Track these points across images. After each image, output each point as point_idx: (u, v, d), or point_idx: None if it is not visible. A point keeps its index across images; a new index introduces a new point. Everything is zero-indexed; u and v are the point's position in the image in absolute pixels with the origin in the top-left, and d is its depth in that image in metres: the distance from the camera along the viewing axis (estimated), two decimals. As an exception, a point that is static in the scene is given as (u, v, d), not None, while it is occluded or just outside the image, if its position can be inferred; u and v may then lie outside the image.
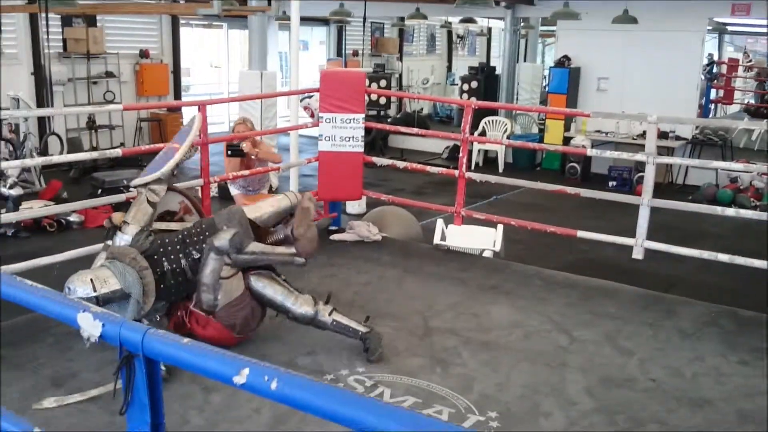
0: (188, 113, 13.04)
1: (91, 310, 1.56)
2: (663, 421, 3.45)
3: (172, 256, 3.95)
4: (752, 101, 17.29)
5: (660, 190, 10.25)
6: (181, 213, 4.56)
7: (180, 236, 4.05)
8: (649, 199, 5.20)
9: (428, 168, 6.52)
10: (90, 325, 1.58)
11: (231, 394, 3.54)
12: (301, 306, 3.96)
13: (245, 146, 5.89)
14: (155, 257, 3.91)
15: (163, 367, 3.60)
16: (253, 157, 6.00)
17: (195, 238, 4.00)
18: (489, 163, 13.15)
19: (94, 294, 3.63)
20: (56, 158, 7.32)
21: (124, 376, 1.49)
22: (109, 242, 3.95)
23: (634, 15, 10.61)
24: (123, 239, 3.99)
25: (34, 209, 7.51)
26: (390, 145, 14.47)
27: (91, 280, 3.68)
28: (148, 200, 4.11)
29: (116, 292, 3.69)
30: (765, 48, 19.15)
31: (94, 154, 6.50)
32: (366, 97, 12.09)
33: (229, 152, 5.87)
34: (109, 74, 12.83)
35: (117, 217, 3.96)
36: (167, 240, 4.03)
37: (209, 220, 4.16)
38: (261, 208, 4.38)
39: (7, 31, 11.29)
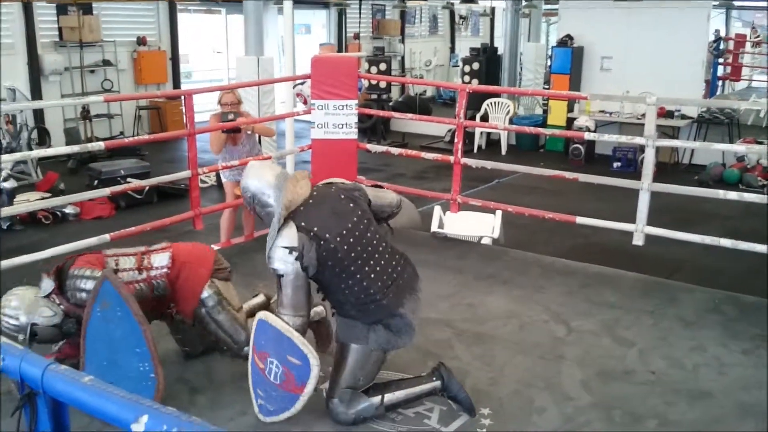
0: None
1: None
2: (661, 415, 3.33)
3: None
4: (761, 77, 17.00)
5: (666, 171, 10.16)
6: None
7: None
8: (648, 184, 5.04)
9: (422, 154, 6.37)
10: None
11: (216, 395, 3.46)
12: None
13: (232, 117, 5.70)
14: None
15: None
16: (249, 132, 5.88)
17: None
18: (492, 145, 12.97)
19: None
20: (35, 153, 7.29)
21: (27, 415, 1.37)
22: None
23: (638, -9, 10.39)
24: None
25: (28, 202, 7.43)
26: (392, 129, 14.31)
27: None
28: None
29: None
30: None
31: (75, 148, 6.40)
32: (366, 81, 12.02)
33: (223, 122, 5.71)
34: (106, 62, 12.70)
35: None
36: None
37: None
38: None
39: (2, 21, 11.18)
